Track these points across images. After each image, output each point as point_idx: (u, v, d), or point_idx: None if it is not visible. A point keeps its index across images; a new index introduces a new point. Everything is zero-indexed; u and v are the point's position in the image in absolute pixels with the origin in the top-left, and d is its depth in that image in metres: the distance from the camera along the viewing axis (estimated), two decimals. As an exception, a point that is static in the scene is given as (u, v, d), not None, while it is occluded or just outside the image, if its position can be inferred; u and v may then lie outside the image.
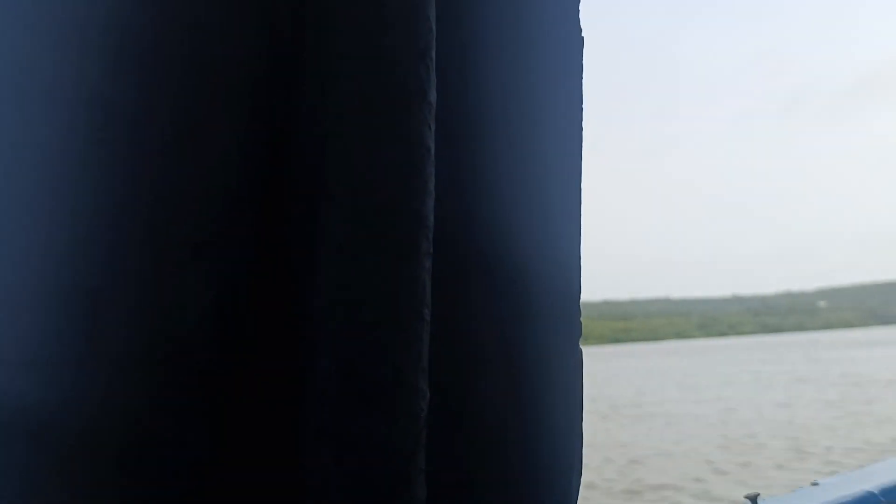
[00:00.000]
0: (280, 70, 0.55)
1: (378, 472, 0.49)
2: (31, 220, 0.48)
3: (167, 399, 0.51)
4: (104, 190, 0.51)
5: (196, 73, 0.54)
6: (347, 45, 0.54)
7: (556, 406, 0.70)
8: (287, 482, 0.50)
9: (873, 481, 1.06)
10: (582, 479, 0.71)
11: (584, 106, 0.73)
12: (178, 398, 0.51)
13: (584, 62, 0.74)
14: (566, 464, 0.69)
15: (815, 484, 1.09)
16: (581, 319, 0.71)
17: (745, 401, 13.28)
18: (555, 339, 0.70)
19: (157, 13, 0.53)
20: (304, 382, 0.50)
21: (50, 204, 0.48)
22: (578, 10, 0.74)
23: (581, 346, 0.72)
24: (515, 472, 0.67)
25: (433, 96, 0.57)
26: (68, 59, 0.51)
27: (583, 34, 0.74)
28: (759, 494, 1.02)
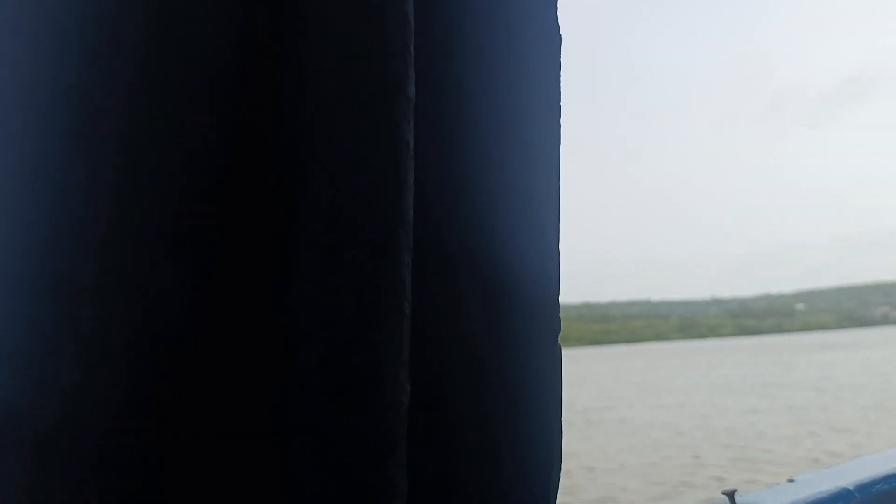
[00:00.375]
0: (259, 64, 0.55)
1: (359, 465, 0.49)
2: (7, 212, 0.47)
3: (146, 393, 0.51)
4: (83, 182, 0.51)
5: (174, 66, 0.53)
6: (325, 39, 0.54)
7: (536, 401, 0.70)
8: (268, 475, 0.50)
9: (848, 477, 1.07)
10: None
11: (564, 105, 0.74)
12: (157, 392, 0.51)
13: (562, 60, 0.74)
14: (546, 458, 0.70)
15: (790, 480, 1.10)
16: (560, 316, 0.72)
17: (709, 407, 13.29)
18: (534, 336, 0.70)
19: (134, 5, 0.53)
20: (284, 376, 0.50)
21: (27, 196, 0.48)
22: (556, 9, 0.75)
23: (560, 344, 0.72)
24: (495, 466, 0.67)
25: (412, 91, 0.57)
26: (45, 52, 0.50)
27: (561, 32, 0.74)
28: (735, 490, 1.03)
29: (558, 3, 0.75)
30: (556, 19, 0.74)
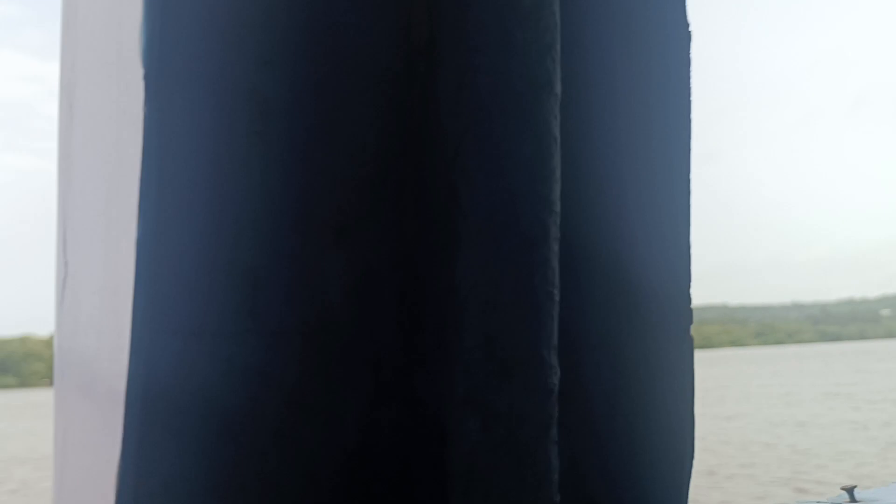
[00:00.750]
0: (416, 65, 0.58)
1: (521, 440, 0.52)
2: (202, 206, 0.52)
3: (317, 371, 0.55)
4: (259, 177, 0.55)
5: (339, 69, 0.57)
6: (482, 41, 0.57)
7: (667, 392, 0.72)
8: (439, 447, 0.53)
9: None
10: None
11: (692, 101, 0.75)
12: (327, 370, 0.55)
13: (691, 58, 0.76)
14: (678, 448, 0.71)
15: None
16: (691, 308, 0.73)
17: (774, 418, 12.78)
18: (665, 327, 0.72)
19: (304, 15, 0.57)
20: (450, 357, 0.53)
21: (213, 191, 0.52)
22: (685, 6, 0.76)
23: (692, 336, 0.73)
24: (627, 454, 0.69)
25: (559, 88, 0.60)
26: (228, 58, 0.55)
27: (690, 29, 0.76)
28: (855, 486, 1.03)
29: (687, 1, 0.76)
30: (686, 16, 0.76)
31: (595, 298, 0.70)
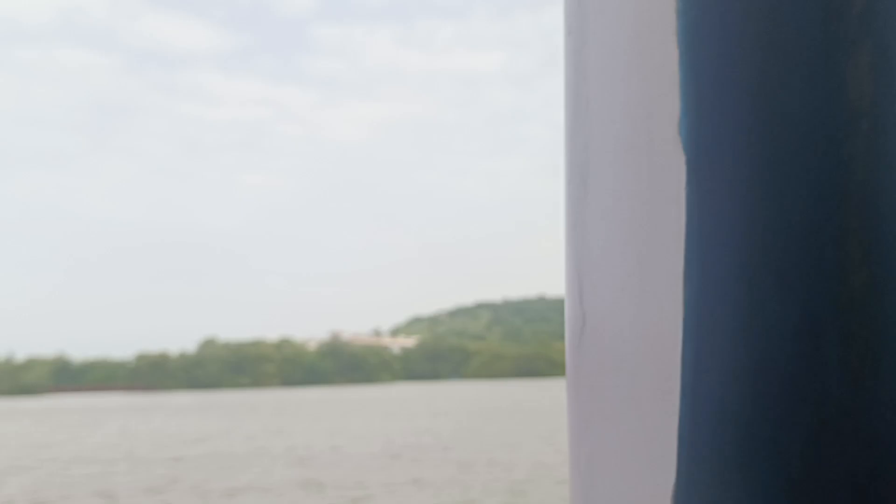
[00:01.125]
0: (858, 123, 0.63)
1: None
2: (706, 261, 0.60)
3: (764, 406, 0.60)
4: (713, 230, 0.62)
5: (775, 128, 0.63)
6: None
7: None
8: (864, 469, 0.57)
9: None
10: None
11: None
12: (773, 406, 0.60)
13: None
14: None
15: None
16: None
17: None
18: None
19: (753, 82, 0.63)
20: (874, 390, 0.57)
21: (706, 247, 0.60)
22: None
23: None
24: None
25: None
26: (720, 134, 0.62)
27: None
28: None
29: None
30: None
31: None
